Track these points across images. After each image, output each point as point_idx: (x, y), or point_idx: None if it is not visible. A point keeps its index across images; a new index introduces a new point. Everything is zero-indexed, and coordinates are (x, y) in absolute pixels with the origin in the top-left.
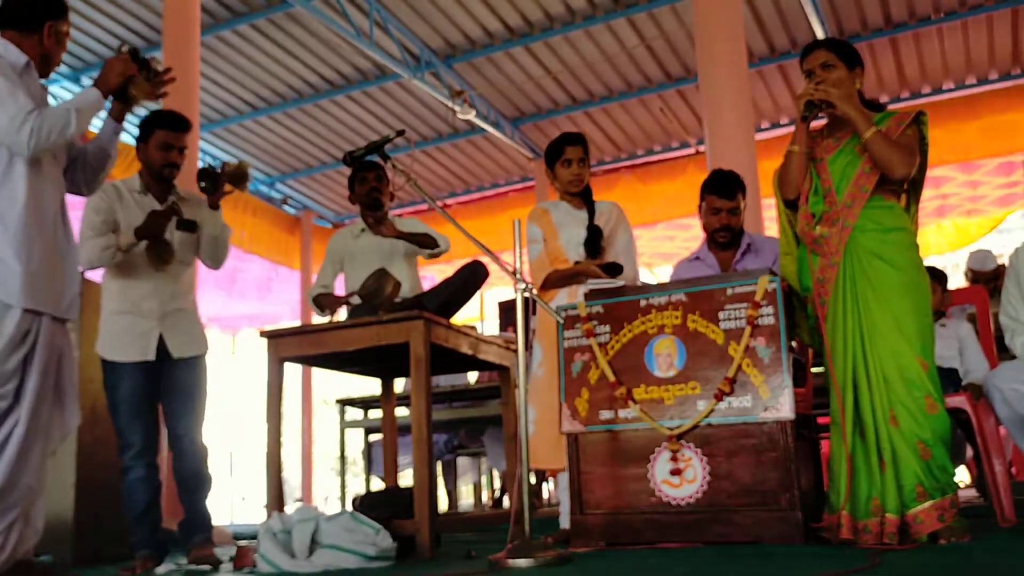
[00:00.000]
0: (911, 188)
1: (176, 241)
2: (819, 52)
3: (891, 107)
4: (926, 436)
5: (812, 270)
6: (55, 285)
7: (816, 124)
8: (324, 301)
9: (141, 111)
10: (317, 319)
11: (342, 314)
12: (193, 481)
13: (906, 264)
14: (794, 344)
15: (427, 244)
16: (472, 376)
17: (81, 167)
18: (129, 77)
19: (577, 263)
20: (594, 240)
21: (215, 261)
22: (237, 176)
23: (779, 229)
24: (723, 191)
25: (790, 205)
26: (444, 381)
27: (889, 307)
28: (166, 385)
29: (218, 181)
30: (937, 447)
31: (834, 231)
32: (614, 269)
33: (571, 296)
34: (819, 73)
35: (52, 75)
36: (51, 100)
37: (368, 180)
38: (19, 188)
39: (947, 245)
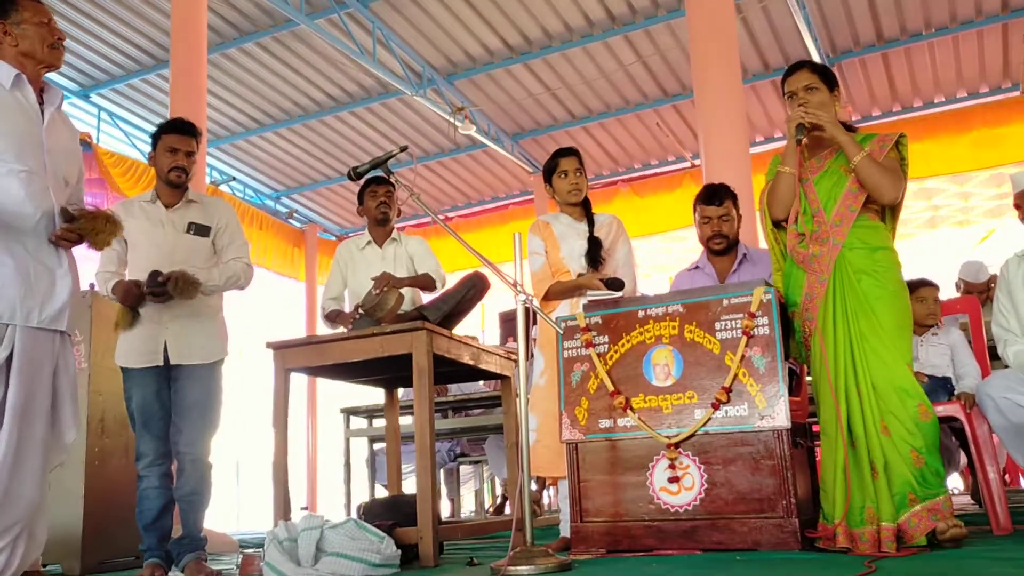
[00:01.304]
0: (890, 207)
1: (185, 248)
2: (803, 74)
3: (883, 121)
4: (919, 444)
5: (801, 285)
6: (33, 295)
7: None
8: (335, 317)
9: (150, 121)
10: (323, 330)
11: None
12: (188, 500)
13: (891, 281)
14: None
15: (428, 286)
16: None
17: None
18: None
19: (580, 275)
20: (595, 251)
21: (229, 287)
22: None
23: (768, 247)
24: (711, 200)
25: (777, 225)
26: (458, 389)
27: (878, 320)
28: (173, 395)
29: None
30: (930, 454)
31: (824, 250)
32: (616, 284)
33: (573, 307)
34: (803, 95)
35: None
36: None
37: (379, 194)
38: None
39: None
